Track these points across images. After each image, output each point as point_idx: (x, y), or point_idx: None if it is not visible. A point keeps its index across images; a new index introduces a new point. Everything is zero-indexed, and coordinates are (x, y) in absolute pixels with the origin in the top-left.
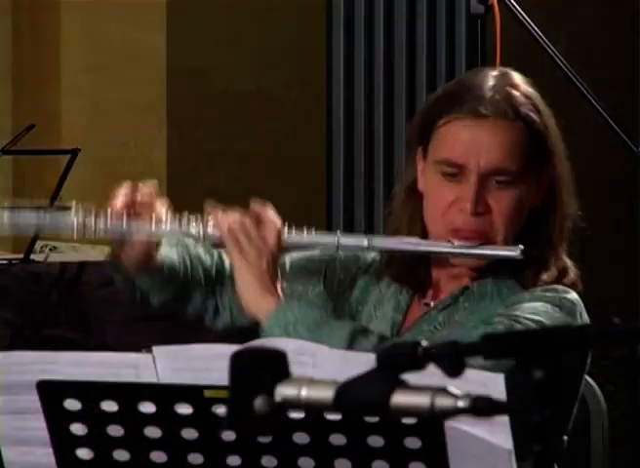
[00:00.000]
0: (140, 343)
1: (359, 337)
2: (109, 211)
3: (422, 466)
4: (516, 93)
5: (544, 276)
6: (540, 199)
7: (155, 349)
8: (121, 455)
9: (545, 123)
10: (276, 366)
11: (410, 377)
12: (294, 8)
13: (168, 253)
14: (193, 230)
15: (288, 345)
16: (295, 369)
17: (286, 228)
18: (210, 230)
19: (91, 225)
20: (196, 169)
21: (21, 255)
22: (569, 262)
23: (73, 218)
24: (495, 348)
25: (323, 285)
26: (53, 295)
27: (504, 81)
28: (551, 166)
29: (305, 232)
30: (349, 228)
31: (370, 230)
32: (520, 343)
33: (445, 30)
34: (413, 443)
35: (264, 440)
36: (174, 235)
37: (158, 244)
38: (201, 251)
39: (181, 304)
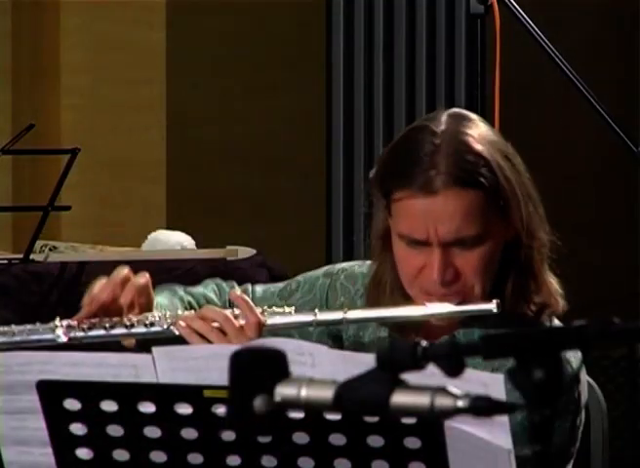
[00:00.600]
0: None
1: None
2: (87, 315)
3: (422, 466)
4: (468, 156)
5: (526, 310)
6: (510, 236)
7: (155, 349)
8: (121, 455)
9: (500, 180)
10: (276, 366)
11: (409, 377)
12: (293, 7)
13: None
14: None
15: (287, 345)
16: (294, 368)
17: (266, 309)
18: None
19: (73, 336)
20: (196, 168)
21: (21, 255)
22: (553, 288)
23: (55, 337)
24: (494, 348)
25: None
26: (53, 295)
27: (455, 141)
28: (513, 211)
29: (285, 311)
30: (349, 229)
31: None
32: (520, 343)
33: (445, 30)
34: (412, 442)
35: (264, 440)
36: (150, 337)
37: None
38: (209, 292)
39: None
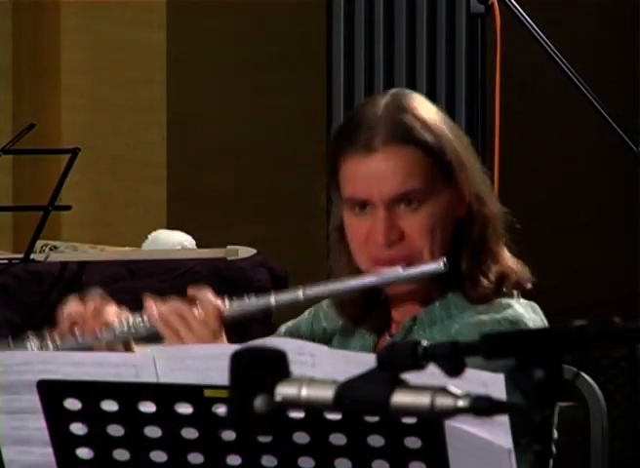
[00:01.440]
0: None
1: None
2: (58, 331)
3: (423, 466)
4: (406, 116)
5: (485, 283)
6: (464, 209)
7: (155, 349)
8: (121, 455)
9: (441, 141)
10: (276, 365)
11: (410, 377)
12: (294, 7)
13: None
14: (139, 328)
15: (287, 345)
16: (294, 368)
17: (226, 299)
18: (149, 324)
19: (47, 347)
20: (196, 168)
21: (22, 255)
22: (511, 261)
23: (29, 348)
24: (494, 348)
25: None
26: (53, 295)
27: (394, 106)
28: (459, 180)
29: (245, 298)
30: None
31: None
32: (520, 343)
33: (445, 30)
34: (413, 442)
35: (265, 439)
36: (123, 338)
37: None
38: None
39: None
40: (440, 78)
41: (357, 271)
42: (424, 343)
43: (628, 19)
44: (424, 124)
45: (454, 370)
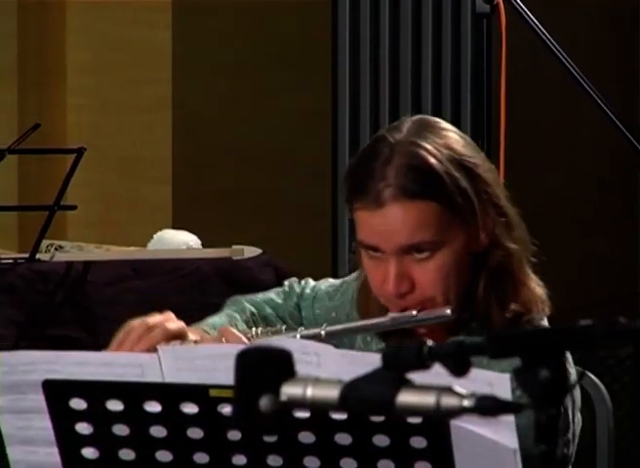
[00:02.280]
0: None
1: None
2: None
3: (428, 465)
4: (415, 168)
5: (508, 314)
6: (482, 243)
7: (160, 349)
8: (127, 455)
9: (449, 189)
10: (281, 365)
11: (415, 377)
12: (299, 7)
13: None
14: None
15: (293, 345)
16: (300, 368)
17: (253, 336)
18: None
19: None
20: (202, 168)
21: (27, 255)
22: (535, 289)
23: None
24: (500, 348)
25: None
26: (58, 295)
27: (409, 151)
28: (478, 219)
29: (272, 336)
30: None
31: None
32: (526, 343)
33: (450, 29)
34: (418, 442)
35: (270, 439)
36: None
37: None
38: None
39: None
40: (445, 78)
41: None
42: (430, 343)
43: (628, 18)
44: (436, 175)
45: (459, 369)
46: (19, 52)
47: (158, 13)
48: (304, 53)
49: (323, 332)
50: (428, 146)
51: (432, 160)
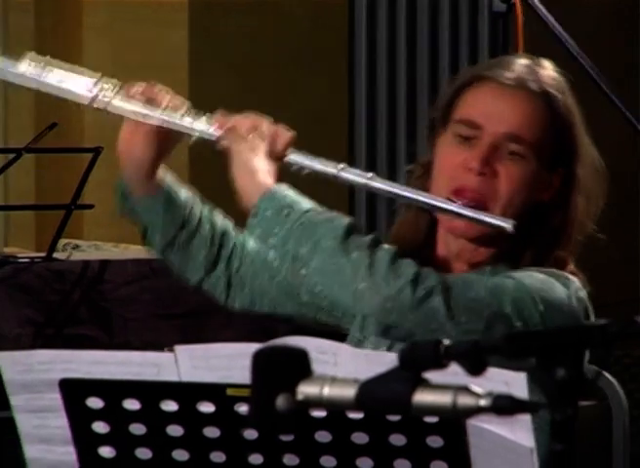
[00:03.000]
0: (161, 342)
1: (353, 236)
2: (126, 90)
3: (444, 465)
4: (544, 72)
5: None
6: (548, 196)
7: (177, 348)
8: (143, 454)
9: (569, 107)
10: (298, 364)
11: (432, 376)
12: (317, 6)
13: (175, 184)
14: (205, 127)
15: (309, 344)
16: (316, 367)
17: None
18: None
19: (104, 97)
20: (218, 169)
21: (44, 254)
22: (572, 266)
23: (89, 86)
24: (516, 347)
25: None
26: (75, 294)
27: (535, 62)
28: (572, 161)
29: (311, 156)
30: (372, 230)
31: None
32: (541, 342)
33: (467, 28)
34: (435, 441)
35: (286, 438)
36: (183, 128)
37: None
38: (216, 213)
39: (185, 259)
40: None
41: (428, 221)
42: (446, 342)
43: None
44: (560, 88)
45: (475, 368)
46: (35, 50)
47: (175, 12)
48: (321, 52)
49: (365, 180)
50: (555, 69)
51: (559, 77)
